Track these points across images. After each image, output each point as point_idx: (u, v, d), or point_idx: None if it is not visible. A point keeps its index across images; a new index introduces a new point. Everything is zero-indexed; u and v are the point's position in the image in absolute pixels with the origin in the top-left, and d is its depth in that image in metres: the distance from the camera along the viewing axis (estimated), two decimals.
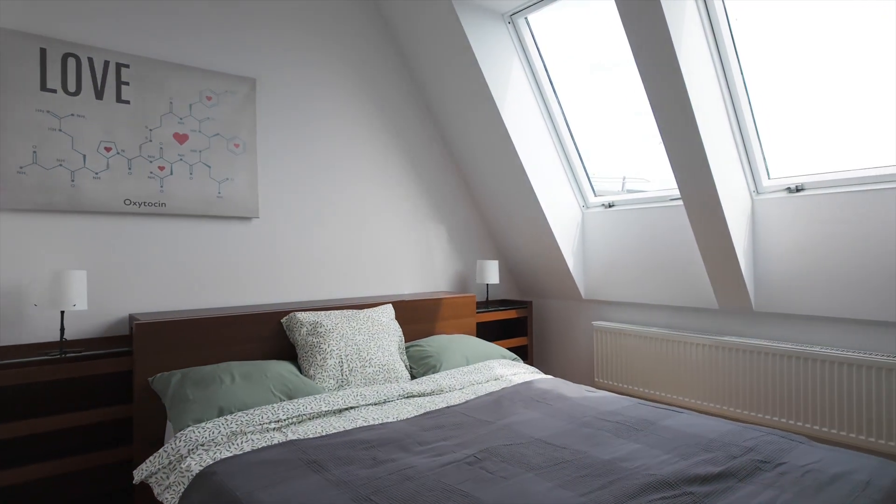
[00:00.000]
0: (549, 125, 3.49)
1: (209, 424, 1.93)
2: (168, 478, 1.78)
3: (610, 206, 3.49)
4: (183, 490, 1.68)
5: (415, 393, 2.43)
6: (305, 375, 2.43)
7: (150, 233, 2.52)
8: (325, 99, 3.12)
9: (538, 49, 3.34)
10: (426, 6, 3.12)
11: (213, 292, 2.69)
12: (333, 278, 3.14)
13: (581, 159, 3.54)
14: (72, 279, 2.13)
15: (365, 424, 2.06)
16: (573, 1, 3.06)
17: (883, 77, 2.32)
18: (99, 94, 2.36)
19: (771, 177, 2.77)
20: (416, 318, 3.13)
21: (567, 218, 3.59)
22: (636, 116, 3.23)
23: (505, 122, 3.27)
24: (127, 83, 2.43)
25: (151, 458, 1.85)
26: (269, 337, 2.57)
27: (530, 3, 3.10)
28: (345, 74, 3.21)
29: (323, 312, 2.64)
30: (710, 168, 2.56)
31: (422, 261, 3.57)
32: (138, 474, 1.84)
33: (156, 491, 1.78)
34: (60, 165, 2.28)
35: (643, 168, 3.51)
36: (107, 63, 2.38)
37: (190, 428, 1.91)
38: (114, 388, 2.32)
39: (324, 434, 1.96)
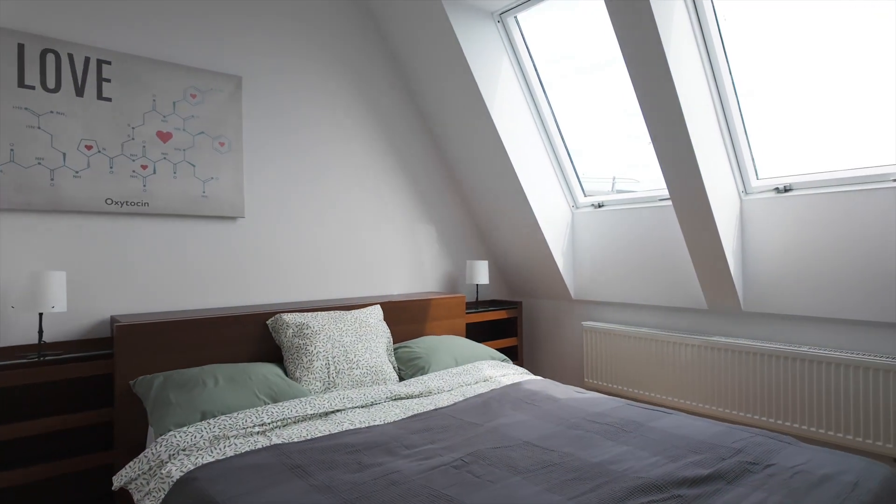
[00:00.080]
0: (538, 125, 3.48)
1: (191, 429, 1.89)
2: (148, 484, 1.74)
3: (599, 206, 3.48)
4: (163, 497, 1.64)
5: (402, 395, 2.40)
6: (291, 378, 2.40)
7: (132, 233, 2.47)
8: (312, 97, 3.08)
9: (528, 48, 3.32)
10: (415, 5, 3.09)
11: (197, 293, 2.65)
12: (321, 279, 3.10)
13: (571, 159, 3.53)
14: (50, 280, 2.08)
15: (351, 428, 2.03)
16: (563, 1, 3.05)
17: (871, 78, 2.33)
18: (79, 91, 2.31)
19: (759, 177, 2.77)
20: (405, 318, 3.10)
21: (557, 218, 3.58)
22: (626, 116, 3.22)
23: (494, 121, 3.25)
24: (108, 80, 2.38)
25: (131, 463, 1.81)
26: (255, 339, 2.53)
27: (520, 2, 3.09)
28: (333, 73, 3.17)
29: (310, 314, 2.61)
30: (699, 169, 2.56)
31: (411, 261, 3.54)
32: (117, 480, 1.80)
33: (135, 497, 1.74)
34: (39, 164, 2.23)
35: (633, 168, 3.51)
36: (87, 59, 2.33)
37: (171, 432, 1.87)
38: (94, 392, 2.27)
39: (309, 438, 1.93)
